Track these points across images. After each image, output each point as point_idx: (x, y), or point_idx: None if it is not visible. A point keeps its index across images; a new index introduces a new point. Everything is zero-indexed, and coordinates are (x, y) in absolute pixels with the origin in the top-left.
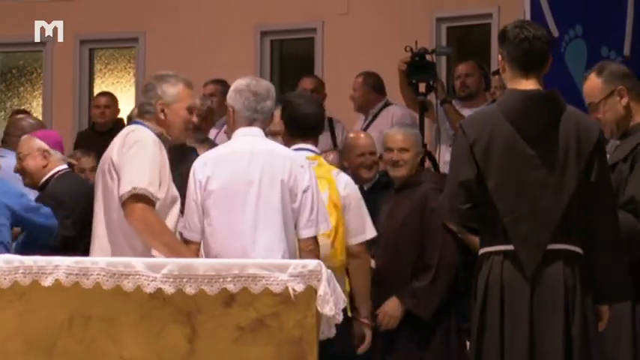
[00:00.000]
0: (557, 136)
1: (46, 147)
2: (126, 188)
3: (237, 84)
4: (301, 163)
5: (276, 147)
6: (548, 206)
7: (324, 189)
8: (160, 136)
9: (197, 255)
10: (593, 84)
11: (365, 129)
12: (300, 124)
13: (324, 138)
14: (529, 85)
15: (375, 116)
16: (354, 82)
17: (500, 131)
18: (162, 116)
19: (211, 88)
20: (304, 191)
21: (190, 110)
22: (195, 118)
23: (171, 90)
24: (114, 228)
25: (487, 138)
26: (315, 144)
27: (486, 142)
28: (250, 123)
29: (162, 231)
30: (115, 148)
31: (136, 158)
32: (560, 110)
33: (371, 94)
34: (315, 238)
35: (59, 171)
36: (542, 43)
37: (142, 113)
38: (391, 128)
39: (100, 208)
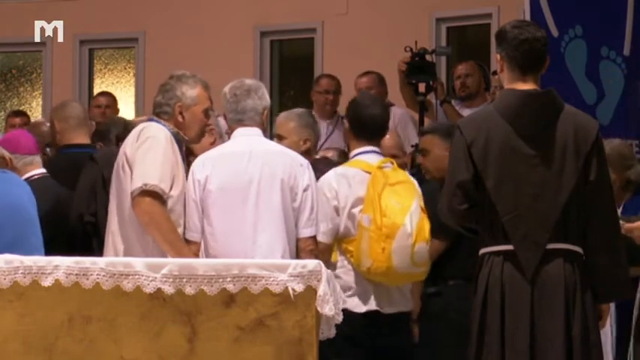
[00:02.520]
0: (555, 135)
1: (6, 154)
2: (137, 184)
3: (224, 89)
4: (300, 162)
5: (274, 146)
6: (546, 206)
7: (415, 197)
8: (176, 135)
9: (197, 255)
10: None
11: None
12: (367, 126)
13: (337, 136)
14: (526, 85)
15: None
16: (362, 82)
17: (498, 131)
18: (180, 118)
19: None
20: (304, 190)
21: (206, 113)
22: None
23: (191, 92)
24: (126, 224)
25: (484, 138)
26: (379, 146)
27: (484, 142)
28: (238, 123)
29: (168, 228)
30: (128, 143)
31: (148, 154)
32: (558, 109)
33: (384, 92)
34: (314, 238)
35: (30, 177)
36: (541, 45)
37: (158, 113)
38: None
39: (114, 204)
